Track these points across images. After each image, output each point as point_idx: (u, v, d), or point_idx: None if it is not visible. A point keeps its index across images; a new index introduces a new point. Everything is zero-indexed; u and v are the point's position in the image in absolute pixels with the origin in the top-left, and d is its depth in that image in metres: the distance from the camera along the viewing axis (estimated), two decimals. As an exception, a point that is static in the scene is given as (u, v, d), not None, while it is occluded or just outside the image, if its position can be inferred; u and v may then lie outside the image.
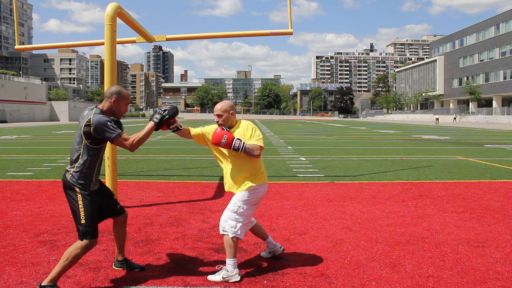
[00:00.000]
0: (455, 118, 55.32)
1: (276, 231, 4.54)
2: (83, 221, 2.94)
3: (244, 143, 3.19)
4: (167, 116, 3.11)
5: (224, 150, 3.35)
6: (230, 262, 3.21)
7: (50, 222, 4.87)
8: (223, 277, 3.18)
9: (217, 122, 3.36)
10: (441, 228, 4.65)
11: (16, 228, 4.62)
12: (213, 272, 3.32)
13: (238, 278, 3.19)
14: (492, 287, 3.11)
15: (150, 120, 3.11)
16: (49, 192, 6.66)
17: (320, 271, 3.40)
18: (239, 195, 3.30)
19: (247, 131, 3.31)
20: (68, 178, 2.99)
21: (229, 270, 3.20)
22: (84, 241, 2.95)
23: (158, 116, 3.10)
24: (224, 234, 3.26)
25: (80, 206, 2.96)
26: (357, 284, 3.15)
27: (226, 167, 3.39)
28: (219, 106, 3.35)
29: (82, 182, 2.97)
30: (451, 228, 4.66)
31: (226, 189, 3.44)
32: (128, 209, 5.51)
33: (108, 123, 2.93)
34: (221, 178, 8.10)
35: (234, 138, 3.17)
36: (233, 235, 3.22)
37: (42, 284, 2.90)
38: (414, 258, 3.70)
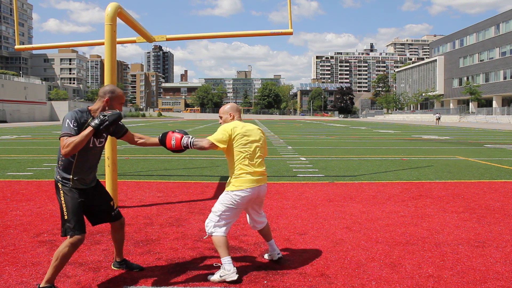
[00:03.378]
0: (438, 119, 49.56)
1: (276, 231, 4.54)
2: (65, 217, 2.93)
3: (191, 139, 3.26)
4: (107, 122, 2.91)
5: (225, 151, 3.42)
6: (224, 261, 3.24)
7: (50, 222, 4.87)
8: (220, 276, 3.20)
9: (220, 123, 3.55)
10: (441, 228, 4.66)
11: (16, 228, 4.62)
12: (213, 273, 3.33)
13: (235, 277, 3.18)
14: (492, 287, 3.11)
15: (88, 126, 2.95)
16: (49, 192, 6.66)
17: (320, 271, 3.40)
18: (220, 197, 3.42)
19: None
20: (54, 176, 3.06)
21: (226, 269, 3.21)
22: (68, 238, 2.91)
23: (96, 121, 2.90)
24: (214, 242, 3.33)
25: (62, 202, 2.96)
26: (357, 284, 3.15)
27: None
28: (222, 108, 3.59)
29: (62, 179, 2.99)
30: (451, 228, 4.66)
31: None
32: (128, 209, 5.52)
33: (68, 120, 2.88)
34: (221, 178, 8.11)
35: (182, 137, 3.27)
36: (209, 233, 3.32)
37: (40, 286, 2.90)
38: (414, 258, 3.70)
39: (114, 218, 3.25)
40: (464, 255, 3.79)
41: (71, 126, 2.87)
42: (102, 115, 2.95)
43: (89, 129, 2.89)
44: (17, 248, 3.92)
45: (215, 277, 3.22)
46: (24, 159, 11.19)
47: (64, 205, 2.95)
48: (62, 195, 2.97)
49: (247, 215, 3.63)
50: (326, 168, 9.59)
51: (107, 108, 3.07)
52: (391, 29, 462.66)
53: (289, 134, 25.49)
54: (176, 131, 3.37)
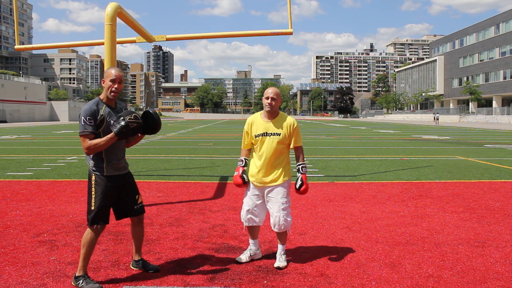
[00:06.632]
0: (437, 119, 49.96)
1: (276, 231, 4.53)
2: (92, 207, 3.04)
3: (304, 165, 3.78)
4: (125, 129, 2.94)
5: (263, 144, 3.59)
6: (284, 248, 3.59)
7: (50, 222, 4.87)
8: (286, 260, 3.55)
9: (270, 104, 3.44)
10: (441, 228, 4.65)
11: (16, 228, 4.62)
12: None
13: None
14: (492, 287, 3.11)
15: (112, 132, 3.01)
16: (49, 192, 6.66)
17: (320, 271, 3.40)
18: (280, 191, 3.60)
19: (291, 132, 3.63)
20: (88, 167, 3.16)
21: (286, 254, 3.59)
22: (91, 226, 3.06)
23: (116, 129, 2.95)
24: (285, 231, 3.58)
25: (92, 191, 3.06)
26: (357, 284, 3.15)
27: (262, 160, 3.62)
28: (273, 91, 3.47)
29: (95, 168, 3.08)
30: (451, 228, 4.66)
31: (258, 183, 3.59)
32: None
33: (83, 117, 2.97)
34: (221, 178, 8.09)
35: (305, 173, 3.77)
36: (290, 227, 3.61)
37: (76, 274, 3.07)
38: (414, 258, 3.70)
39: (135, 212, 3.30)
40: (464, 255, 3.79)
41: (87, 123, 2.97)
42: (119, 123, 2.95)
43: (111, 135, 2.97)
44: (17, 248, 3.92)
45: (284, 263, 3.49)
46: (24, 159, 11.19)
47: (93, 195, 3.05)
48: (93, 184, 3.06)
49: (264, 209, 3.74)
50: (326, 168, 9.59)
51: (103, 85, 3.11)
52: (391, 29, 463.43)
53: (289, 134, 25.44)
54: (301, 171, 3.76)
